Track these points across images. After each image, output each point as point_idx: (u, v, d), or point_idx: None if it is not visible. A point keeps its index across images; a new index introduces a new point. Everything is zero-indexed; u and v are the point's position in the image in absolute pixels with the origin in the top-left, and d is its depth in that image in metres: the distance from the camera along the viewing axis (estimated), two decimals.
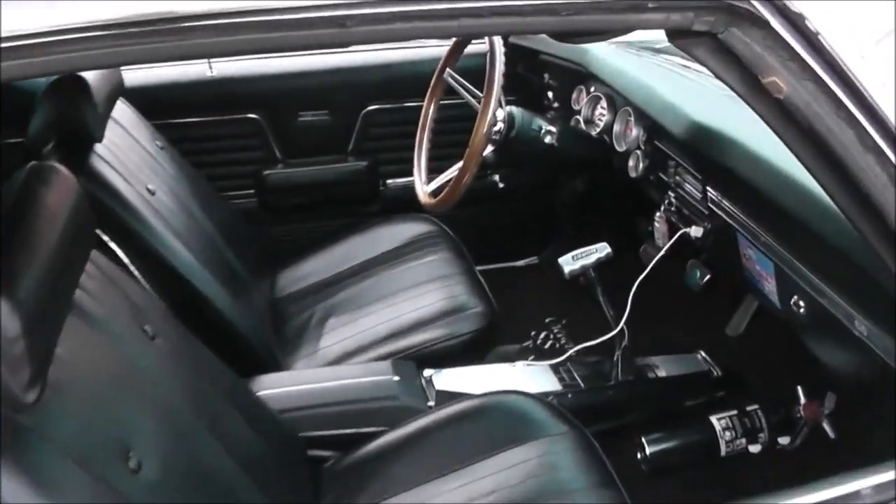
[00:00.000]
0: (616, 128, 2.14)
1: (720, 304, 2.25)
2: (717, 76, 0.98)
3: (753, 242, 1.57)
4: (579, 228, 2.75)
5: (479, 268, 2.28)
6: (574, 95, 2.36)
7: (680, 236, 1.88)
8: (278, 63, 2.55)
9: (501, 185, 2.57)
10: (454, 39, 2.09)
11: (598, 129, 2.19)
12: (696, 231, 1.84)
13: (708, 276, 1.96)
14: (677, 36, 0.97)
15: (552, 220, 2.85)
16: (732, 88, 0.98)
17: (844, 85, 0.93)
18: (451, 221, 2.41)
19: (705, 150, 1.67)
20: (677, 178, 1.91)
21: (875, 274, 1.13)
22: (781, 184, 1.43)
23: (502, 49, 1.86)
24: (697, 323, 2.32)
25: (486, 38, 1.89)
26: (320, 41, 0.86)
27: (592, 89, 2.27)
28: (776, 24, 0.91)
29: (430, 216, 2.36)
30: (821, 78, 0.93)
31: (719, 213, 1.70)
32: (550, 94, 2.49)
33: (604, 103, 2.19)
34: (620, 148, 2.12)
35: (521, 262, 2.91)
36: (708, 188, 1.73)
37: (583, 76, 2.31)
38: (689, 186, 1.87)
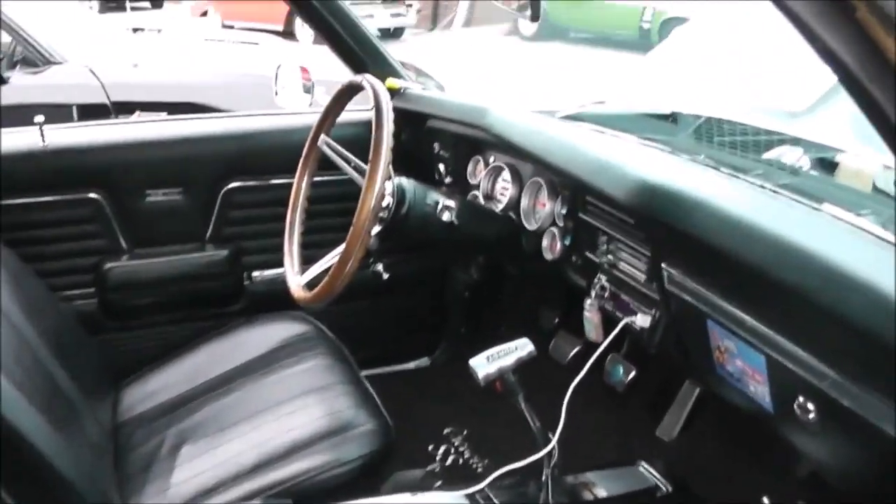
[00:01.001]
0: (524, 202, 1.95)
1: (652, 402, 2.02)
2: None
3: (735, 331, 1.29)
4: (475, 323, 2.58)
5: (364, 373, 2.04)
6: (470, 167, 2.18)
7: (622, 328, 1.64)
8: (121, 131, 2.27)
9: (386, 276, 2.25)
10: (329, 100, 1.92)
11: (501, 206, 2.02)
12: (641, 320, 1.60)
13: (633, 373, 1.80)
14: None
15: (444, 314, 2.64)
16: None
17: None
18: (330, 320, 2.18)
19: (659, 216, 1.39)
20: (610, 256, 1.69)
21: None
22: (770, 250, 1.15)
23: (390, 104, 1.65)
24: (629, 427, 2.10)
25: (370, 92, 1.68)
26: None
27: (492, 159, 2.09)
28: None
29: (305, 314, 2.11)
30: None
31: (682, 295, 1.42)
32: (442, 167, 2.30)
33: (506, 175, 2.02)
34: (531, 226, 1.93)
35: (411, 365, 2.69)
36: (664, 265, 1.45)
37: (480, 145, 2.13)
38: (627, 266, 1.65)
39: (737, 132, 2.01)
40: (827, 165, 1.82)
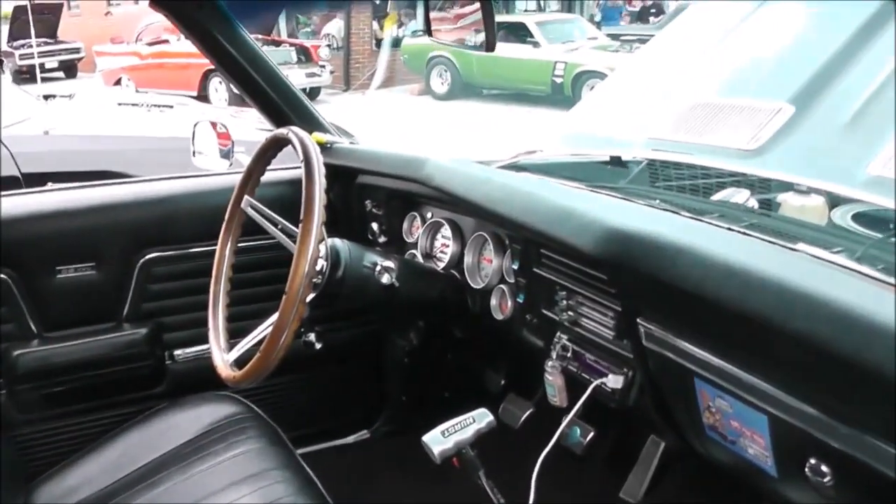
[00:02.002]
0: (468, 259, 1.88)
1: (613, 462, 1.92)
2: None
3: (730, 389, 1.17)
4: (416, 390, 2.45)
5: (301, 451, 1.92)
6: (406, 224, 2.11)
7: (591, 390, 1.52)
8: (27, 203, 2.10)
9: (318, 346, 2.16)
10: (250, 159, 1.81)
11: (443, 264, 1.94)
12: (613, 381, 1.48)
13: (592, 434, 1.68)
14: None
15: (382, 382, 2.52)
16: None
17: None
18: (260, 397, 2.09)
19: (637, 267, 1.27)
20: (570, 313, 1.58)
21: None
22: (770, 297, 1.04)
23: (320, 157, 1.54)
24: (591, 491, 1.99)
25: (298, 146, 1.58)
26: None
27: (429, 215, 2.01)
28: None
29: (234, 393, 1.96)
30: None
31: (662, 352, 1.30)
32: (375, 226, 2.19)
33: (446, 231, 1.95)
34: (476, 284, 1.86)
35: (350, 439, 2.54)
36: (640, 320, 1.33)
37: (415, 199, 2.05)
38: (591, 322, 1.54)
39: (684, 175, 1.98)
40: (772, 204, 1.79)
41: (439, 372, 2.39)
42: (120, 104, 6.46)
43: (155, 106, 6.17)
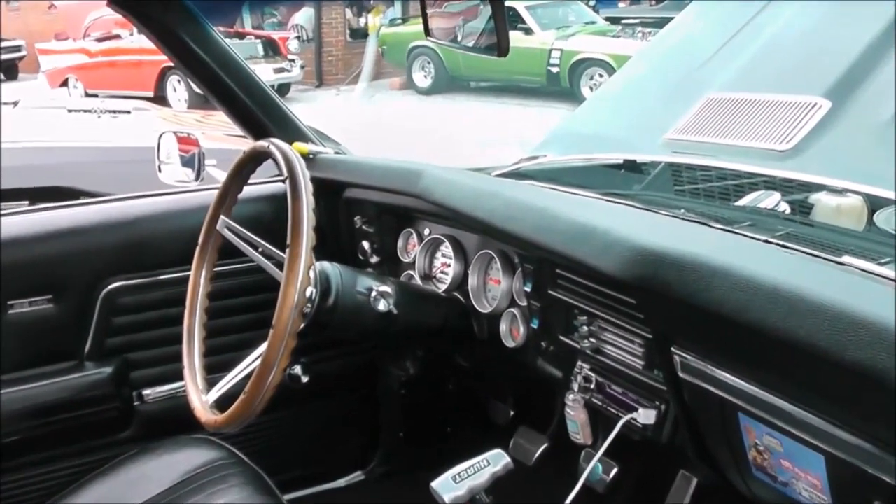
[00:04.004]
0: (472, 281, 1.90)
1: (640, 500, 1.92)
2: None
3: (780, 426, 1.16)
4: (414, 425, 2.46)
5: (288, 497, 1.94)
6: (400, 243, 2.12)
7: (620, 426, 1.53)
8: None
9: (305, 379, 2.20)
10: (227, 175, 1.82)
11: (444, 286, 1.97)
12: (645, 416, 1.48)
13: (615, 470, 1.71)
14: None
15: (377, 418, 2.53)
16: None
17: None
18: (242, 439, 2.08)
19: (671, 291, 1.27)
20: (592, 340, 1.58)
21: None
22: (826, 325, 1.03)
23: (306, 172, 1.56)
24: None
25: (280, 160, 1.60)
26: None
27: (427, 232, 2.03)
28: None
29: (211, 436, 1.97)
30: None
31: (701, 384, 1.30)
32: (366, 245, 2.20)
33: (447, 249, 1.97)
34: (483, 308, 1.88)
35: (342, 482, 2.55)
36: (674, 349, 1.33)
37: (410, 215, 2.08)
38: (617, 350, 1.55)
39: (709, 178, 1.98)
40: (805, 207, 1.81)
41: (440, 404, 2.40)
42: (71, 111, 6.45)
43: (110, 112, 6.16)
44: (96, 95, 12.05)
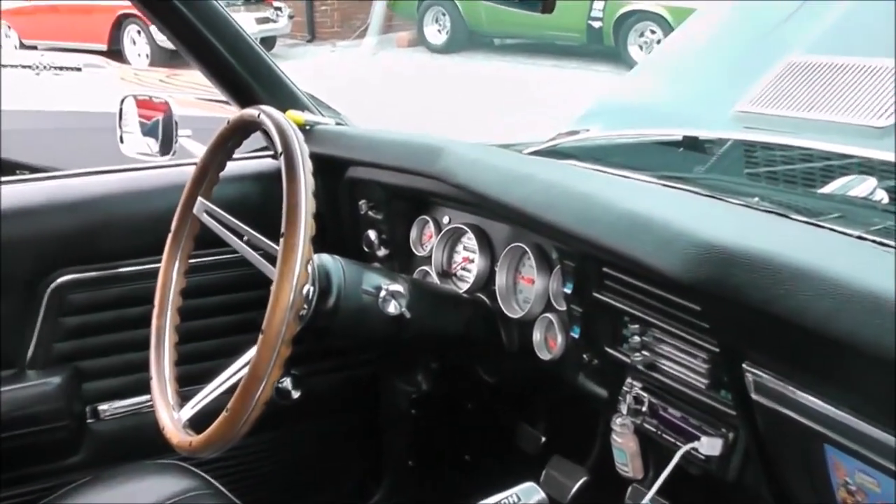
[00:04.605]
0: (500, 280, 1.93)
1: None
2: None
3: (878, 461, 1.18)
4: (426, 452, 2.48)
5: None
6: (414, 233, 2.17)
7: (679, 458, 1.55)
8: None
9: (297, 394, 2.23)
10: (206, 148, 1.85)
11: (466, 285, 2.01)
12: (709, 446, 1.51)
13: None
14: None
15: (382, 441, 2.56)
16: None
17: None
18: (220, 467, 2.14)
19: (734, 293, 1.30)
20: (645, 353, 1.61)
21: None
22: None
23: (304, 147, 1.60)
24: None
25: (273, 131, 1.64)
26: None
27: (446, 220, 2.07)
28: None
29: (182, 461, 1.98)
30: None
31: (777, 408, 1.33)
32: (372, 235, 2.24)
33: (470, 241, 2.01)
34: (513, 313, 1.90)
35: None
36: (746, 365, 1.35)
37: (426, 200, 2.12)
38: (674, 366, 1.58)
39: (776, 160, 1.99)
40: None
41: (457, 427, 2.43)
42: (5, 66, 6.46)
43: (56, 68, 6.18)
44: (34, 47, 12.06)
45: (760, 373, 1.33)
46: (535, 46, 12.96)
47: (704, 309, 1.42)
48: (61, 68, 6.19)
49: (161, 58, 11.33)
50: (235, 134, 1.78)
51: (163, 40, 11.33)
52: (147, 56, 12.28)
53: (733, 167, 2.07)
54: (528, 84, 10.75)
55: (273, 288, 1.50)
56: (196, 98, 4.81)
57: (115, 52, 12.03)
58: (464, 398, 2.39)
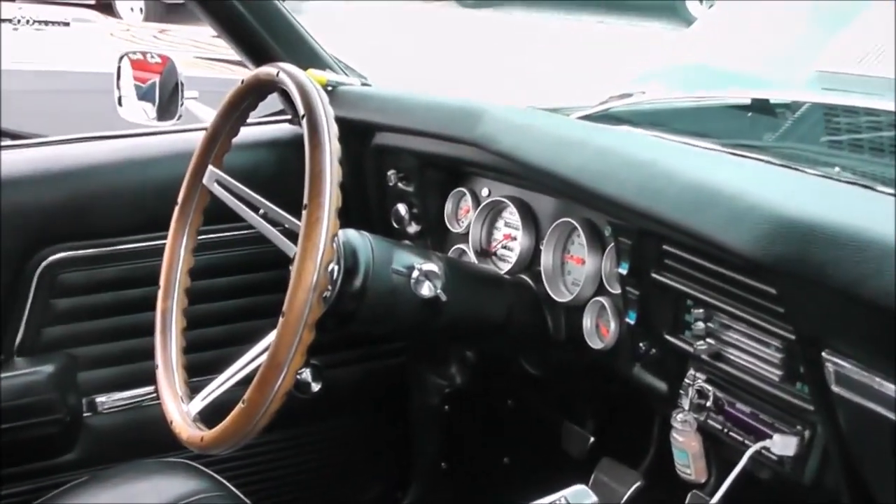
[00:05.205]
0: (546, 259, 1.94)
1: None
2: None
3: None
4: (460, 453, 2.51)
5: None
6: (449, 206, 2.18)
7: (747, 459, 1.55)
8: None
9: (317, 387, 2.19)
10: (216, 111, 1.86)
11: (507, 266, 2.02)
12: (781, 445, 1.51)
13: None
14: None
15: (411, 441, 2.58)
16: None
17: None
18: (233, 466, 2.19)
19: (814, 273, 1.31)
20: (710, 341, 1.62)
21: None
22: None
23: (329, 109, 1.61)
24: None
25: (294, 92, 1.64)
26: None
27: (485, 192, 2.09)
28: None
29: (191, 460, 2.02)
30: None
31: (862, 402, 1.33)
32: (402, 209, 2.25)
33: (512, 216, 2.03)
34: (561, 296, 1.92)
35: None
36: (826, 353, 1.36)
37: (463, 170, 2.14)
38: (743, 355, 1.58)
39: (861, 126, 1.99)
40: None
41: (495, 425, 2.45)
42: None
43: (41, 22, 6.21)
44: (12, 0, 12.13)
45: (842, 362, 1.34)
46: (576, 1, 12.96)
47: (780, 291, 1.42)
48: (46, 23, 6.21)
49: (156, 12, 11.36)
50: (251, 95, 1.78)
51: None
52: (141, 10, 12.31)
53: (810, 133, 2.08)
54: (571, 42, 10.74)
55: (294, 266, 1.51)
56: (195, 57, 4.84)
57: (105, 6, 12.08)
58: (503, 393, 2.41)
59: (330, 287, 1.70)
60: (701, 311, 1.63)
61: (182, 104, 2.27)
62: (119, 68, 2.36)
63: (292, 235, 1.59)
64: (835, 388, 1.36)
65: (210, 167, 1.83)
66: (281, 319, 1.51)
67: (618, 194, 1.65)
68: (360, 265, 1.74)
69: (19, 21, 6.23)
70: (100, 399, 2.30)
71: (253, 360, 1.66)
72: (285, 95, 1.81)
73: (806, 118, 2.11)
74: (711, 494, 1.65)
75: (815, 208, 1.37)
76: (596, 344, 1.84)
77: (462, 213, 2.14)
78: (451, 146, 2.04)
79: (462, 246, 2.09)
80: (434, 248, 2.14)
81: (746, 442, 1.57)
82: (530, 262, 1.96)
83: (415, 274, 1.79)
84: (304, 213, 1.53)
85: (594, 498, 1.60)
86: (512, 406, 2.41)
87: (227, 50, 2.46)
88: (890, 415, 1.30)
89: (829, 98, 2.06)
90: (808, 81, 2.11)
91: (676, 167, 1.62)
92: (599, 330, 1.85)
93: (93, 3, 11.97)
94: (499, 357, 2.30)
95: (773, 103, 2.22)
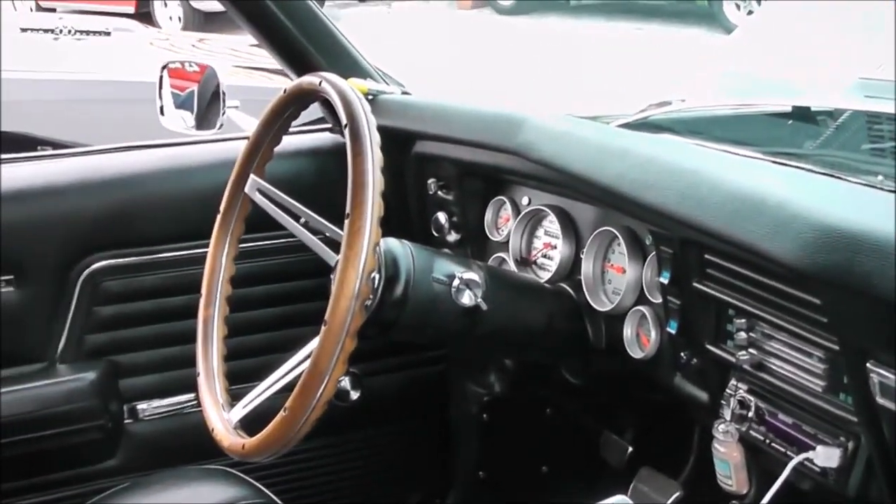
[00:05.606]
0: (587, 268, 1.93)
1: None
2: None
3: None
4: (498, 461, 2.48)
5: None
6: (489, 215, 2.18)
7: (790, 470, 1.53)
8: None
9: (356, 395, 2.31)
10: (259, 122, 1.86)
11: (548, 275, 2.01)
12: (825, 457, 1.49)
13: None
14: None
15: (450, 449, 2.57)
16: None
17: None
18: (272, 473, 2.20)
19: (860, 282, 1.30)
20: (752, 351, 1.60)
21: None
22: None
23: (372, 118, 1.61)
24: None
25: (336, 101, 1.63)
26: None
27: (526, 201, 2.08)
28: None
29: (231, 468, 2.01)
30: None
31: None
32: (442, 217, 2.25)
33: (552, 225, 2.01)
34: (601, 305, 1.91)
35: None
36: (871, 365, 1.35)
37: (503, 179, 2.13)
38: (787, 366, 1.56)
39: None
40: None
41: (534, 434, 2.44)
42: (25, 30, 6.51)
43: (82, 32, 6.23)
44: (53, 10, 12.16)
45: (887, 373, 1.33)
46: (615, 6, 12.92)
47: (824, 301, 1.41)
48: (87, 32, 6.23)
49: (195, 21, 11.43)
50: (293, 104, 1.78)
51: (198, 1, 11.47)
52: (179, 19, 12.38)
53: (852, 141, 2.06)
54: (608, 49, 10.71)
55: (337, 274, 1.51)
56: (233, 66, 4.85)
57: (144, 15, 12.14)
58: (542, 402, 2.39)
59: (371, 295, 1.69)
60: (743, 320, 1.61)
61: (224, 113, 2.27)
62: (161, 78, 2.37)
63: (333, 244, 1.58)
64: (880, 400, 1.35)
65: (252, 176, 1.83)
66: (323, 328, 1.51)
67: (659, 202, 1.64)
68: (402, 274, 1.73)
69: (60, 31, 6.26)
70: (141, 406, 2.30)
71: (294, 368, 1.66)
72: (327, 105, 1.80)
73: (847, 126, 2.10)
74: None
75: (860, 217, 1.35)
76: (636, 353, 1.83)
77: (502, 222, 2.14)
78: (491, 154, 2.03)
79: (502, 254, 2.09)
80: (474, 256, 2.13)
81: (789, 453, 1.55)
82: (570, 270, 1.95)
83: (455, 283, 1.79)
84: (346, 221, 1.53)
85: None
86: (551, 415, 2.40)
87: (264, 59, 2.46)
88: None
89: (871, 105, 2.04)
90: (850, 89, 2.10)
91: (719, 175, 1.61)
92: (640, 339, 1.84)
93: (131, 12, 12.11)
94: (538, 366, 2.28)
95: (814, 111, 2.20)
